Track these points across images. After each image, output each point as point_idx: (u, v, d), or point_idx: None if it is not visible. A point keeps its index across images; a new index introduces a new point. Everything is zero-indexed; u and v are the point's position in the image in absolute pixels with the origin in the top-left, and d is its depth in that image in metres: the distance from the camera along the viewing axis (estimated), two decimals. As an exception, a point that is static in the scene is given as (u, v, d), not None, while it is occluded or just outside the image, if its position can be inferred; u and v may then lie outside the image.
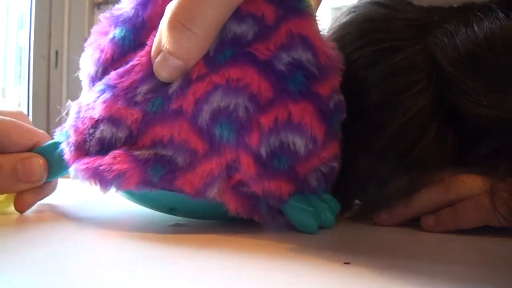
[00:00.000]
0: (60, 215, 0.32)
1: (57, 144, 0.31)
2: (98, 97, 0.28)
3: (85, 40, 0.31)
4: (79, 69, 0.31)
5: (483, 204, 0.28)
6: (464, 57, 0.29)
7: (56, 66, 1.59)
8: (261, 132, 0.26)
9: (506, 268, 0.21)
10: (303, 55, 0.26)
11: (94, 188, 0.26)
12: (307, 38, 0.26)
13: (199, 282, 0.18)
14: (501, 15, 0.29)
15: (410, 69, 0.31)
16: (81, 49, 0.32)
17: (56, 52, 1.59)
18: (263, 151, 0.26)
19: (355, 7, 0.36)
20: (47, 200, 0.34)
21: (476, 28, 0.30)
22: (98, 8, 1.69)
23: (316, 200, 0.28)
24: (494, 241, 0.28)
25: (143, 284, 0.18)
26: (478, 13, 0.30)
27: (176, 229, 0.28)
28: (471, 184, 0.30)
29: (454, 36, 0.30)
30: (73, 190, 0.35)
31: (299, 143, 0.26)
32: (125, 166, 0.25)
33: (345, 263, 0.21)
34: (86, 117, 0.28)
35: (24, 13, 1.60)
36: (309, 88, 0.26)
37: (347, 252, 0.23)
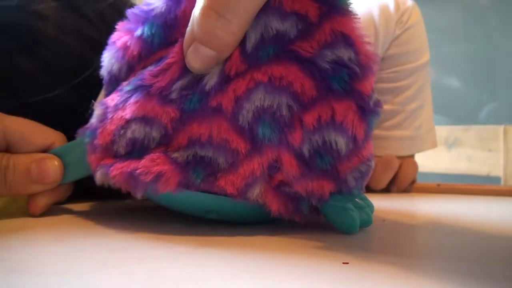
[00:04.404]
0: (56, 215, 0.32)
1: (74, 146, 0.30)
2: (129, 97, 0.27)
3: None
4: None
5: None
6: None
7: (54, 66, 1.59)
8: (304, 131, 0.25)
9: (504, 265, 0.21)
10: (345, 54, 0.26)
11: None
12: (349, 36, 0.26)
13: (196, 282, 0.18)
14: None
15: None
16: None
17: (55, 53, 1.59)
18: (305, 150, 0.26)
19: None
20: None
21: None
22: (97, 9, 1.69)
23: (353, 200, 0.28)
24: (493, 239, 0.28)
25: (139, 284, 0.17)
26: None
27: (173, 229, 0.28)
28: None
29: None
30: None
31: (341, 142, 0.26)
32: (165, 168, 0.25)
33: (343, 263, 0.21)
34: (115, 118, 0.27)
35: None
36: (351, 87, 0.26)
37: (345, 251, 0.23)
